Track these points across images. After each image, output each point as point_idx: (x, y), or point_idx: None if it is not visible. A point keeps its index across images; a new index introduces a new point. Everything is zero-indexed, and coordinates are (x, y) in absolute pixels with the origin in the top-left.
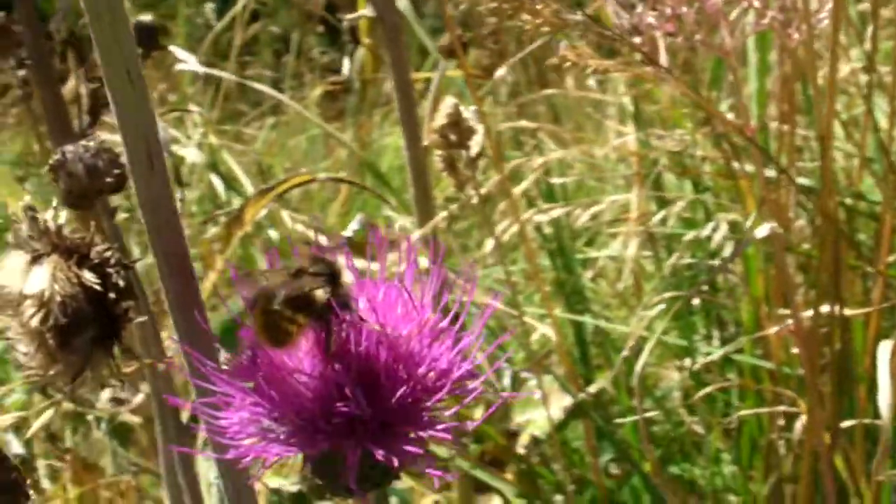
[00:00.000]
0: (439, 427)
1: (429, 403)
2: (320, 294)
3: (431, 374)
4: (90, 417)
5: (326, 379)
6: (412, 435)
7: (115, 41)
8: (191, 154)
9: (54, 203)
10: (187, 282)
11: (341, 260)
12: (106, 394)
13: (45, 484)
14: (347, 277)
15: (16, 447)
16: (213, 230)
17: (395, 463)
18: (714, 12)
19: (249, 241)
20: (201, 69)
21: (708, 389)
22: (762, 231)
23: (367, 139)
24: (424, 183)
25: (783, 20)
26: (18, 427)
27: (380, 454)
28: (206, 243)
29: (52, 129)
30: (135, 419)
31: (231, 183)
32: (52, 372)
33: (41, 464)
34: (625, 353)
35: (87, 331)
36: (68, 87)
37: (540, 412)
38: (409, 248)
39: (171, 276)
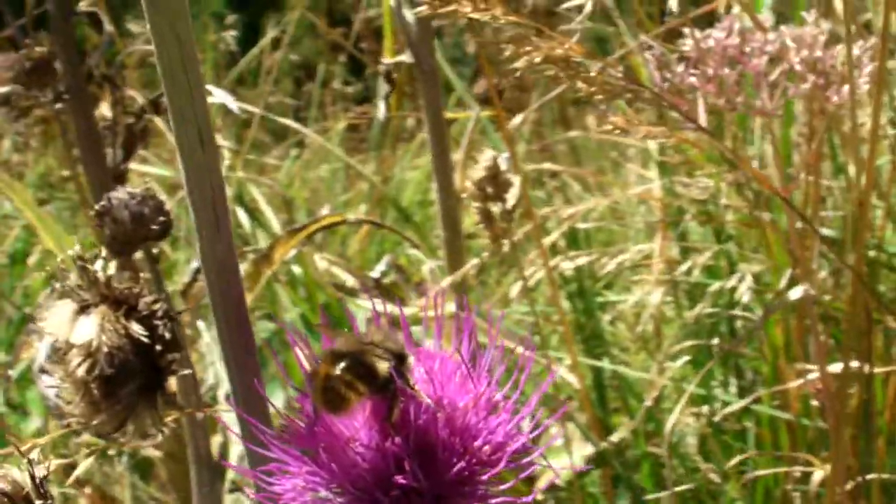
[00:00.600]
0: (494, 501)
1: (484, 477)
2: (384, 366)
3: (487, 447)
4: (111, 452)
5: (384, 451)
6: None
7: (189, 102)
8: None
9: (104, 253)
10: (247, 347)
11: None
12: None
13: None
14: (412, 360)
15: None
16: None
17: None
18: (756, 74)
19: (273, 277)
20: (234, 105)
21: (725, 435)
22: (795, 293)
23: (389, 173)
24: (455, 226)
25: (822, 84)
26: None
27: None
28: None
29: (86, 161)
30: (156, 454)
31: (255, 215)
32: (94, 422)
33: (56, 491)
34: (648, 403)
35: (132, 382)
36: (100, 116)
37: (561, 460)
38: (467, 320)
39: (231, 341)
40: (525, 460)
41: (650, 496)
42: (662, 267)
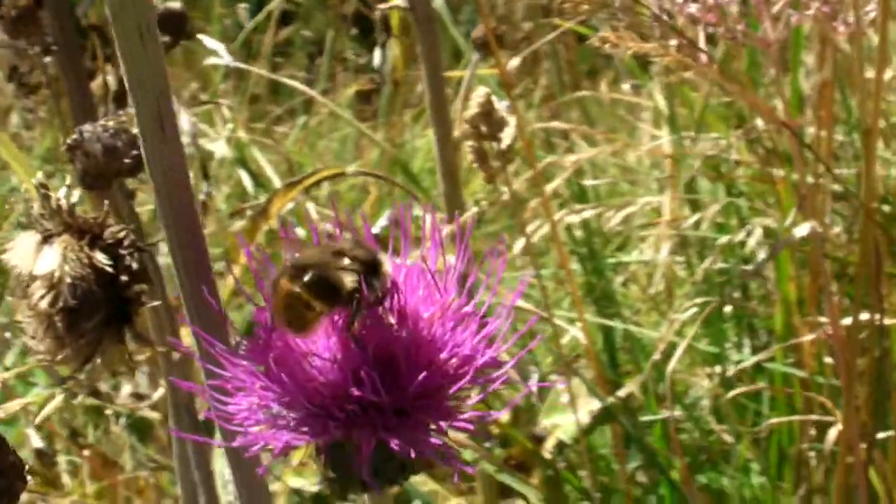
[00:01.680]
0: (461, 417)
1: (450, 392)
2: (349, 281)
3: (454, 360)
4: (109, 412)
5: (342, 363)
6: (432, 425)
7: None
8: (219, 149)
9: (68, 181)
10: (198, 255)
11: (385, 253)
12: (126, 389)
13: (66, 479)
14: (387, 268)
15: (35, 441)
16: (238, 223)
17: (413, 455)
18: (758, 2)
19: (276, 239)
20: (232, 62)
21: (738, 391)
22: (802, 230)
23: (399, 140)
24: (454, 178)
25: (828, 12)
26: (40, 425)
27: (396, 444)
28: (232, 236)
29: (77, 117)
30: (154, 415)
31: (260, 180)
32: (59, 357)
33: (62, 459)
34: (655, 357)
35: (97, 314)
36: (96, 80)
37: (567, 417)
38: (433, 225)
39: (181, 248)
40: (495, 374)
41: (663, 458)
42: (671, 222)
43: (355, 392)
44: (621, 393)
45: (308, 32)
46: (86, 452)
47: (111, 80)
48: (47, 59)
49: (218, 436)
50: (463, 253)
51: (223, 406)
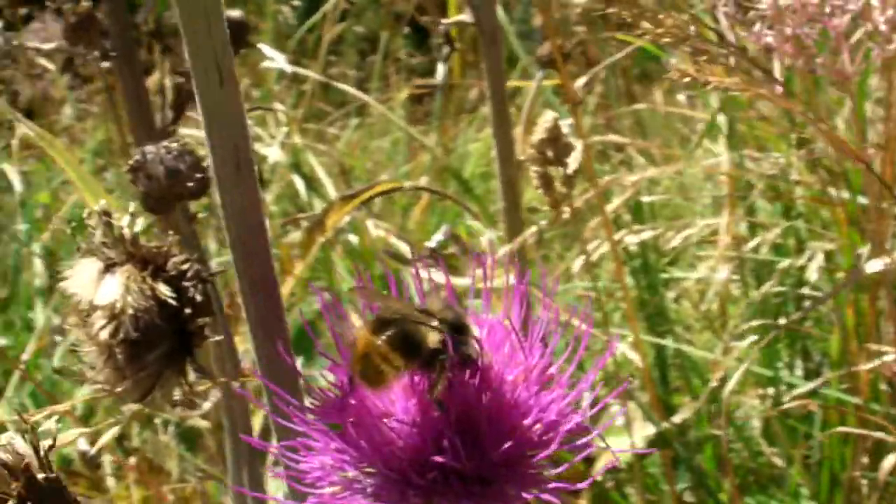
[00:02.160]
0: (546, 486)
1: (535, 459)
2: (434, 338)
3: (538, 425)
4: (158, 420)
5: (422, 427)
6: (514, 494)
7: (207, 34)
8: (273, 153)
9: (132, 208)
10: (271, 305)
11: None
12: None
13: (111, 482)
14: (474, 332)
15: (81, 443)
16: (293, 234)
17: None
18: (836, 34)
19: (329, 245)
20: (288, 67)
21: (790, 405)
22: (875, 266)
23: (451, 145)
24: (514, 195)
25: None
26: (87, 422)
27: None
28: (286, 248)
29: (134, 123)
30: (203, 424)
31: (312, 183)
32: (119, 388)
33: (108, 459)
34: (713, 383)
35: (159, 347)
36: (152, 80)
37: (620, 440)
38: (518, 287)
39: (254, 298)
40: (581, 441)
41: (711, 479)
42: (729, 243)
43: (436, 459)
44: (676, 419)
45: (361, 29)
46: (132, 459)
47: (168, 86)
48: (105, 65)
49: (281, 491)
50: (520, 306)
51: (295, 464)
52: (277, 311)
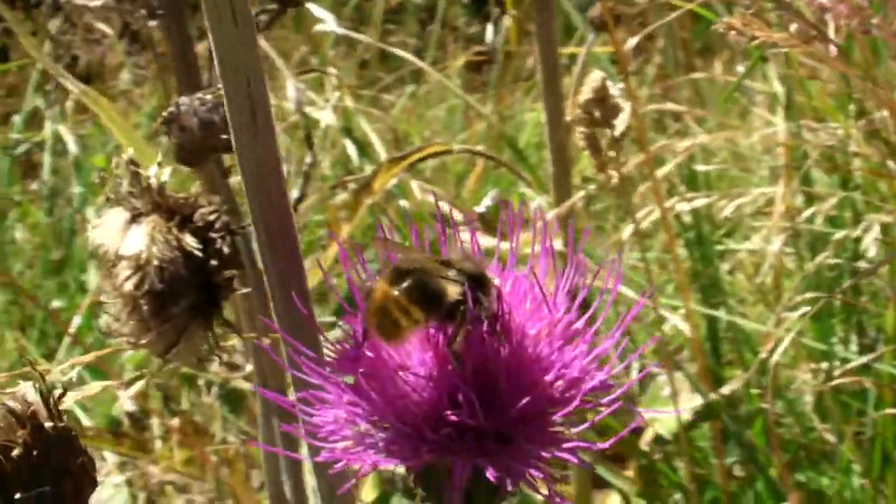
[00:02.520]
0: (565, 446)
1: (555, 417)
2: (454, 290)
3: (560, 382)
4: (201, 382)
5: (438, 380)
6: (532, 452)
7: None
8: (325, 117)
9: (159, 158)
10: (290, 258)
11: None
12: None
13: (158, 444)
14: (495, 284)
15: (128, 405)
16: (341, 196)
17: (510, 486)
18: None
19: (379, 211)
20: (339, 29)
21: (841, 379)
22: None
23: (507, 113)
24: (564, 160)
25: None
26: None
27: (492, 474)
28: (333, 209)
29: (181, 84)
30: (247, 386)
31: (365, 149)
32: (143, 341)
33: (156, 423)
34: (762, 355)
35: (184, 299)
36: (203, 45)
37: (667, 409)
38: (545, 231)
39: (272, 251)
40: (605, 399)
41: (762, 454)
42: (784, 214)
43: (451, 415)
44: (725, 390)
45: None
46: (175, 420)
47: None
48: (152, 23)
49: (304, 446)
50: (573, 268)
51: (309, 417)
52: (295, 262)
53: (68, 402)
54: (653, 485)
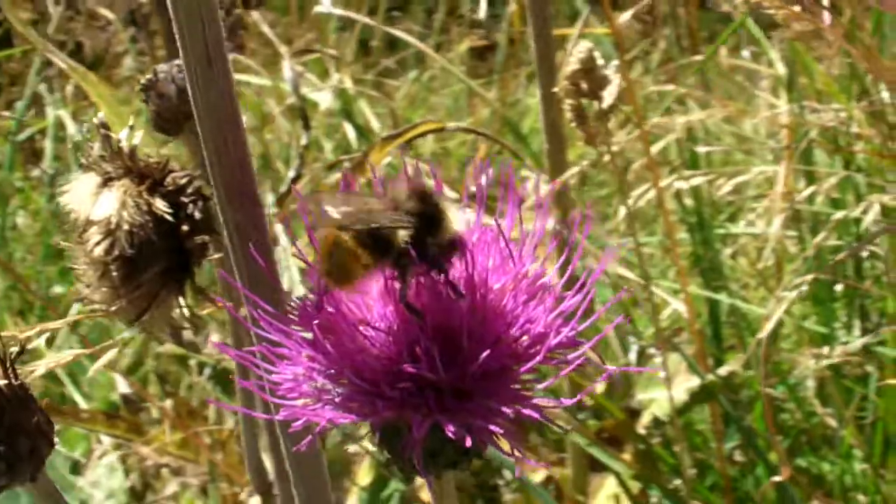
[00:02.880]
0: (528, 403)
1: (518, 374)
2: (402, 235)
3: (525, 338)
4: (192, 362)
5: (397, 334)
6: (493, 409)
7: None
8: (324, 99)
9: (130, 122)
10: (249, 211)
11: (454, 207)
12: (213, 338)
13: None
14: (453, 225)
15: (122, 386)
16: (335, 176)
17: (469, 442)
18: None
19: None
20: (337, 10)
21: (840, 357)
22: None
23: (511, 99)
24: (558, 136)
25: None
26: (131, 370)
27: (451, 430)
28: (327, 189)
29: (171, 58)
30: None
31: (366, 133)
32: (114, 307)
33: (151, 405)
34: (760, 335)
35: (155, 265)
36: None
37: (664, 392)
38: (510, 184)
39: (229, 203)
40: (571, 356)
41: (762, 439)
42: (785, 194)
43: (409, 368)
44: (722, 371)
45: None
46: (168, 402)
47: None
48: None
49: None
50: (544, 217)
51: (268, 374)
52: (255, 215)
53: (40, 371)
54: (651, 468)
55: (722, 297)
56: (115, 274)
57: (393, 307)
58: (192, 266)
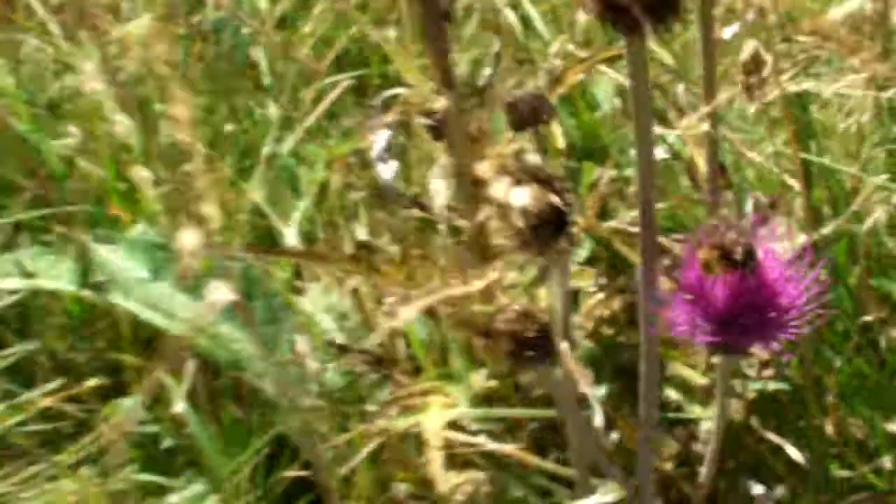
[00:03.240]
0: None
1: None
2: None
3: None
4: None
5: (730, 299)
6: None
7: None
8: None
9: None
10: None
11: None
12: None
13: None
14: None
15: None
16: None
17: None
18: None
19: None
20: None
21: None
22: None
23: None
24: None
25: None
26: None
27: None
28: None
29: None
30: None
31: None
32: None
33: None
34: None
35: (549, 228)
36: None
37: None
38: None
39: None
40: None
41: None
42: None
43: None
44: (826, 230)
45: None
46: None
47: None
48: None
49: None
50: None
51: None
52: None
53: None
54: None
55: (816, 159)
56: (526, 233)
57: (728, 287)
58: (567, 231)
